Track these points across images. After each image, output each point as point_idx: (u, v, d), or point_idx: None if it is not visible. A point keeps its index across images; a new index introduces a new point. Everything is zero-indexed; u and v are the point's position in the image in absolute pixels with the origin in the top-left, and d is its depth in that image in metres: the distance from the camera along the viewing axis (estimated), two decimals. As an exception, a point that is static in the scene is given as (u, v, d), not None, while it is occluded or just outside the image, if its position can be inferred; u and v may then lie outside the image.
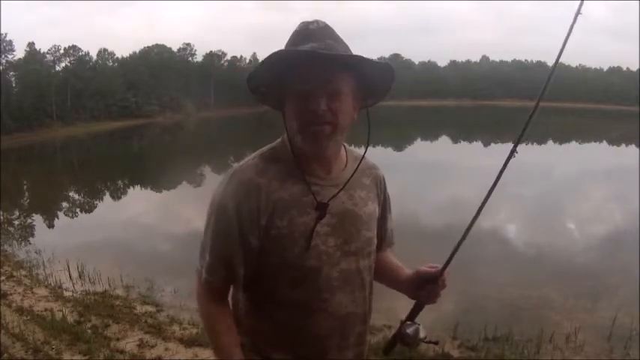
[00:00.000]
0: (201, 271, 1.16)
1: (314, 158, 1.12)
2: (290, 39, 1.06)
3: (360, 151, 1.24)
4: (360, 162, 1.20)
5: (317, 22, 1.06)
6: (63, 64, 52.74)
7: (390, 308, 5.50)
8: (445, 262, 1.25)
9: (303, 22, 1.07)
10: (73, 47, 52.99)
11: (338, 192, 1.13)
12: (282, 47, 1.06)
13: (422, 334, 1.23)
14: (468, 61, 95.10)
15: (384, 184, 1.29)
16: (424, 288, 1.25)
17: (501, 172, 1.26)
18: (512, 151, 1.24)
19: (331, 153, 1.13)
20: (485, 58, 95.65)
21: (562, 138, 33.85)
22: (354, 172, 1.17)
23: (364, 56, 1.04)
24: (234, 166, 1.15)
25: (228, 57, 71.18)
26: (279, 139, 1.17)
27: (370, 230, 1.20)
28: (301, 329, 1.15)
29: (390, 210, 1.36)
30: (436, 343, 1.27)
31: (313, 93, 1.03)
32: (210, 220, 1.13)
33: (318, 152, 1.09)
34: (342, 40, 1.08)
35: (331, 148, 1.10)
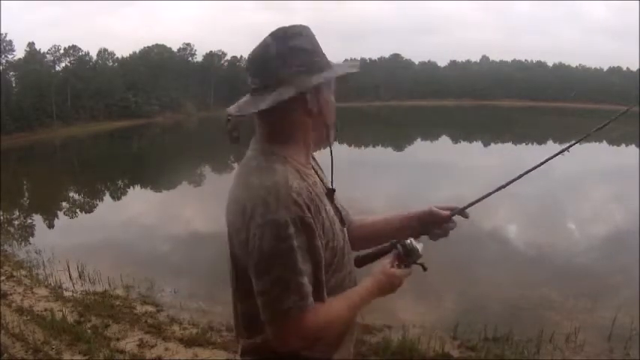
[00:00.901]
0: (298, 306, 1.01)
1: (310, 152, 1.20)
2: (317, 42, 1.13)
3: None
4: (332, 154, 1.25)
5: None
6: (63, 64, 52.87)
7: (390, 308, 5.52)
8: (466, 205, 1.34)
9: (298, 27, 1.12)
10: (73, 47, 53.07)
11: (332, 178, 1.26)
12: (250, 49, 1.13)
13: (419, 247, 1.26)
14: (468, 61, 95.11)
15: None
16: (439, 226, 1.33)
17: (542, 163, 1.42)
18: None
19: None
20: (485, 58, 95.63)
21: (562, 138, 33.83)
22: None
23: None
24: (271, 183, 1.03)
25: (228, 57, 71.25)
26: (256, 147, 1.15)
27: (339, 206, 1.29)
28: None
29: None
30: (425, 269, 1.29)
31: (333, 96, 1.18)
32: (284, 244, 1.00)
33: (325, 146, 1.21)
34: None
35: None
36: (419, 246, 1.26)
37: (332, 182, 1.26)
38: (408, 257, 1.24)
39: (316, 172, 1.23)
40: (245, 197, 1.04)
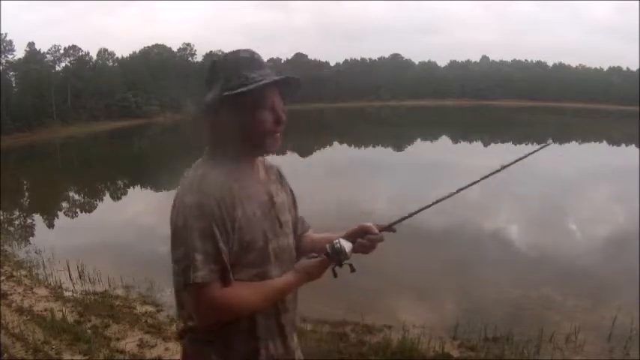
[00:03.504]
0: (201, 277, 1.18)
1: (251, 160, 1.37)
2: (244, 63, 1.30)
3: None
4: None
5: (253, 50, 1.34)
6: (63, 64, 52.85)
7: (390, 308, 5.52)
8: (389, 224, 1.45)
9: (246, 50, 1.33)
10: (73, 47, 53.07)
11: (290, 188, 1.49)
12: (248, 50, 1.33)
13: (347, 248, 1.37)
14: (468, 61, 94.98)
15: (283, 175, 1.54)
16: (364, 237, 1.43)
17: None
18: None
19: None
20: (485, 58, 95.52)
21: (562, 138, 33.85)
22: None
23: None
24: (194, 177, 1.27)
25: (228, 57, 71.17)
26: (205, 157, 1.34)
27: (284, 215, 1.42)
28: None
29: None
30: (353, 270, 1.40)
31: (278, 105, 1.32)
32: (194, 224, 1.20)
33: (274, 151, 1.34)
34: None
35: None
36: (347, 246, 1.37)
37: (291, 190, 1.52)
38: (335, 256, 1.36)
39: (280, 181, 1.47)
40: (178, 186, 1.29)
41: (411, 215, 1.47)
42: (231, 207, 1.23)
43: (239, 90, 1.25)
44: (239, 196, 1.27)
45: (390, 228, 1.45)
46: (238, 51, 1.33)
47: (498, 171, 1.51)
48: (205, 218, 1.19)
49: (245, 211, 1.27)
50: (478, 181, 1.50)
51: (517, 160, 1.50)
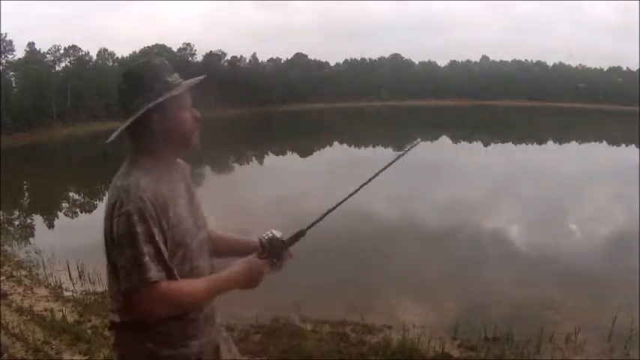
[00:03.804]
0: (146, 278, 1.26)
1: (173, 161, 1.49)
2: (160, 69, 1.40)
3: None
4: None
5: (163, 59, 1.45)
6: (63, 64, 52.86)
7: (390, 308, 5.52)
8: (289, 240, 1.53)
9: (154, 58, 1.43)
10: (73, 47, 53.11)
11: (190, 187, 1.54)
12: (155, 57, 1.44)
13: (278, 235, 1.47)
14: (468, 61, 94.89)
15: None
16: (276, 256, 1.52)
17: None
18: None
19: None
20: (485, 58, 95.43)
21: (562, 138, 33.85)
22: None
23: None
24: (128, 185, 1.33)
25: (228, 57, 71.18)
26: (127, 158, 1.44)
27: (200, 211, 1.55)
28: None
29: None
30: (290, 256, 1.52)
31: (191, 106, 1.46)
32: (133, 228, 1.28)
33: (197, 147, 1.46)
34: None
35: None
36: (278, 234, 1.46)
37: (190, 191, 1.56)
38: (270, 246, 1.45)
39: (191, 179, 1.57)
40: (110, 196, 1.35)
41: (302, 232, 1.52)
42: (165, 209, 1.34)
43: (169, 94, 1.36)
44: (170, 198, 1.37)
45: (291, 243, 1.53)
46: (148, 60, 1.43)
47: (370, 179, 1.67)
48: (146, 222, 1.28)
49: (175, 212, 1.38)
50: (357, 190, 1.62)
51: (388, 165, 1.66)
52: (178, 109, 1.41)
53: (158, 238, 1.30)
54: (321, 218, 1.54)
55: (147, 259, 1.27)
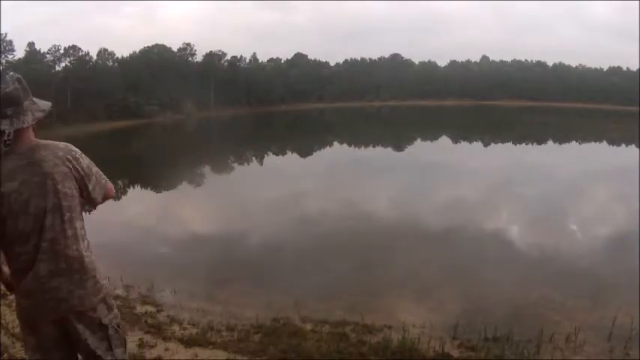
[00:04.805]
0: None
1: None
2: None
3: None
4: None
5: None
6: (63, 64, 52.73)
7: (390, 308, 5.52)
8: None
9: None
10: (73, 47, 52.98)
11: None
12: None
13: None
14: (468, 61, 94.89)
15: None
16: None
17: None
18: None
19: None
20: (485, 58, 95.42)
21: (562, 138, 33.86)
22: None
23: None
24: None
25: (228, 57, 71.13)
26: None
27: None
28: None
29: None
30: None
31: None
32: None
33: None
34: None
35: None
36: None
37: None
38: None
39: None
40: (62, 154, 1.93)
41: None
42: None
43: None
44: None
45: None
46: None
47: None
48: None
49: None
50: None
51: None
52: None
53: None
54: None
55: None
